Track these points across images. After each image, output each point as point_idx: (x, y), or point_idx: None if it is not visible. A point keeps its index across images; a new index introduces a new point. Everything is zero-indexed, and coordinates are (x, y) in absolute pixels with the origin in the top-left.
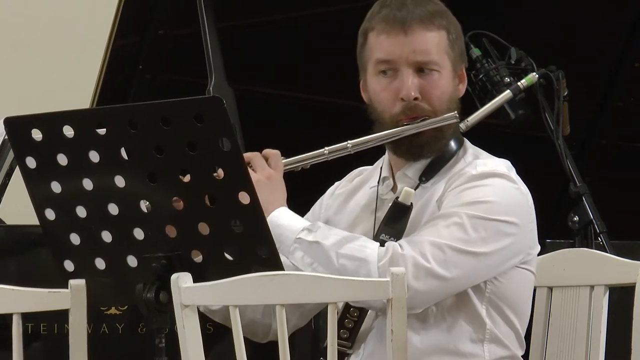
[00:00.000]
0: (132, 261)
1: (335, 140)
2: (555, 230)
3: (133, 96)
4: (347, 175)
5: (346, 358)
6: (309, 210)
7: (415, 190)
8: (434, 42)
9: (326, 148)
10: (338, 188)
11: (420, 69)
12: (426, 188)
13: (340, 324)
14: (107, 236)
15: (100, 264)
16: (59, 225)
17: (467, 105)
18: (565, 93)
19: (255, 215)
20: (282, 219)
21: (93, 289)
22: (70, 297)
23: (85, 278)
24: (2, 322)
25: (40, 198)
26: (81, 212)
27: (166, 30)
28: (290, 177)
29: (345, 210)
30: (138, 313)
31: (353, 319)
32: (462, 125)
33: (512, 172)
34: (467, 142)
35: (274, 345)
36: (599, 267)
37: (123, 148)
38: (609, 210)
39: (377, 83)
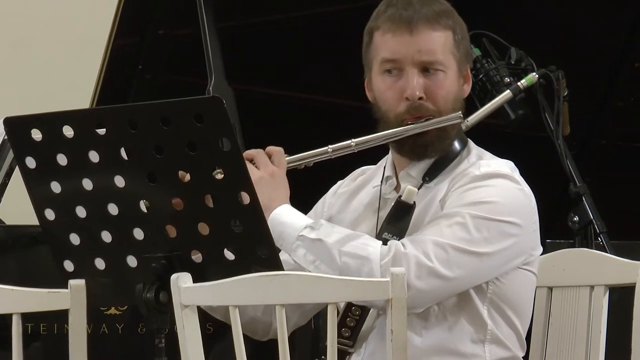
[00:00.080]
0: (132, 261)
1: (335, 141)
2: (555, 230)
3: (133, 96)
4: (349, 175)
5: (348, 357)
6: (311, 208)
7: (418, 190)
8: (440, 42)
9: (330, 146)
10: (341, 187)
11: (426, 69)
12: (429, 188)
13: (342, 323)
14: (106, 236)
15: (100, 264)
16: (59, 225)
17: (467, 105)
18: (565, 93)
19: (255, 215)
20: (284, 216)
21: (93, 289)
22: (70, 297)
23: (85, 278)
24: (2, 322)
25: (40, 198)
26: (81, 212)
27: (166, 30)
28: (292, 176)
29: (348, 209)
30: (138, 313)
31: (355, 317)
32: (462, 126)
33: (516, 173)
34: (470, 143)
35: (273, 345)
36: (599, 267)
37: (123, 148)
38: (609, 210)
39: (382, 82)
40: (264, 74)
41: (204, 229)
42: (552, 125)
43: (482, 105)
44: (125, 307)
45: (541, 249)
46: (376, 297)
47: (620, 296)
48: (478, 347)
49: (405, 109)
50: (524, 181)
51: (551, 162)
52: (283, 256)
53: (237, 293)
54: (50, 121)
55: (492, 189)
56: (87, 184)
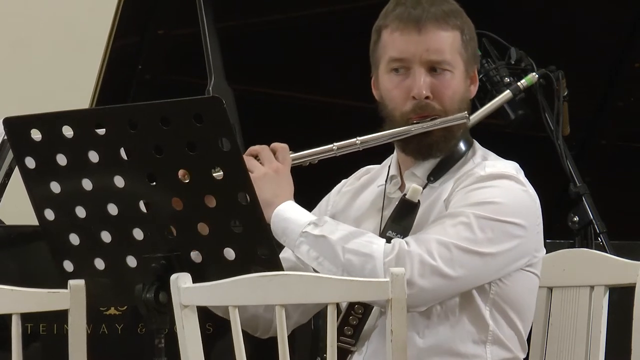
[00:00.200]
0: (131, 261)
1: (336, 141)
2: (555, 230)
3: (133, 96)
4: (354, 173)
5: (349, 355)
6: (315, 207)
7: (423, 189)
8: (448, 42)
9: (335, 144)
10: (345, 185)
11: (433, 68)
12: (434, 188)
13: (345, 321)
14: (106, 236)
15: (99, 264)
16: (59, 225)
17: None
18: (565, 93)
19: (255, 215)
20: (288, 213)
21: (92, 289)
22: (69, 298)
23: (85, 278)
24: (2, 322)
25: (39, 198)
26: (80, 212)
27: (166, 30)
28: (296, 174)
29: (352, 207)
30: (137, 313)
31: (357, 316)
32: None
33: (521, 175)
34: (476, 144)
35: (273, 345)
36: (599, 267)
37: (122, 148)
38: (609, 210)
39: (389, 80)
40: (264, 74)
41: (203, 229)
42: (552, 125)
43: (482, 105)
44: (125, 307)
45: (544, 251)
46: (376, 298)
47: (620, 296)
48: (479, 347)
49: (412, 108)
50: (529, 183)
51: (551, 162)
52: (282, 254)
53: (236, 293)
54: (49, 121)
55: (497, 190)
56: (87, 184)
